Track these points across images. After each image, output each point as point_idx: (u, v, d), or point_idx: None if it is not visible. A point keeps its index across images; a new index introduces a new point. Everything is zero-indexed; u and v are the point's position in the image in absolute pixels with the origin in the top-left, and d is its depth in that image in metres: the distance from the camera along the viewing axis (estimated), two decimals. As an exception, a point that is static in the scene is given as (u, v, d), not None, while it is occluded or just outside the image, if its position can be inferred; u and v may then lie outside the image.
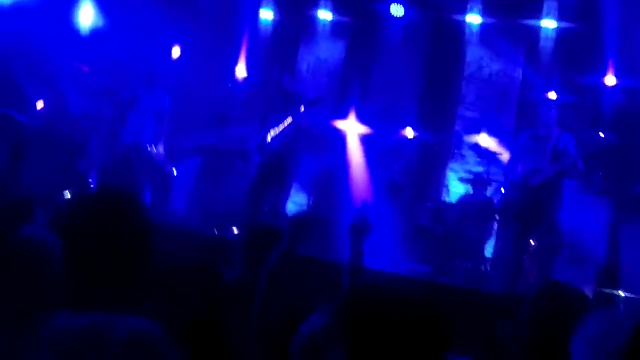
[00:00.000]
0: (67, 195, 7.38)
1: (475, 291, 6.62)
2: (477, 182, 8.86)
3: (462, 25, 10.38)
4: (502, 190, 7.81)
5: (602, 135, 7.90)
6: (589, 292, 6.41)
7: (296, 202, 9.41)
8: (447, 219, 8.72)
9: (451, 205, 9.16)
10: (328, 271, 4.83)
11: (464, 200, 8.93)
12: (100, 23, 9.62)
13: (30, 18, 8.66)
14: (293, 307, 3.24)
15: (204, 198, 9.25)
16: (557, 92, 9.03)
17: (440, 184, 9.97)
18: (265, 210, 7.62)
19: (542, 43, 9.87)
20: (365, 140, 10.05)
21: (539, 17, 9.89)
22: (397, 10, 10.28)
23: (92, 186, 8.56)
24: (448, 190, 9.70)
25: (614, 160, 8.09)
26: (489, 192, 8.80)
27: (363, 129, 10.08)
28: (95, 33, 9.57)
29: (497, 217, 8.29)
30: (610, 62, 8.99)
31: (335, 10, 10.94)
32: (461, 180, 9.39)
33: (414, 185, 9.57)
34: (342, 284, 3.32)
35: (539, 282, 6.93)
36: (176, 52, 10.24)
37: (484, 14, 10.25)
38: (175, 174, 8.98)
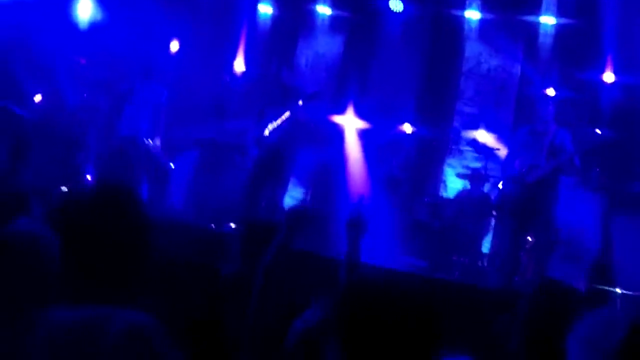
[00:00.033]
0: (64, 188, 7.36)
1: (472, 286, 6.63)
2: (474, 177, 8.86)
3: (461, 20, 10.37)
4: (500, 185, 7.81)
5: (599, 131, 7.90)
6: (584, 288, 6.42)
7: (294, 196, 9.41)
8: (445, 214, 8.73)
9: (448, 200, 9.17)
10: (324, 266, 4.84)
11: (461, 195, 8.93)
12: (98, 16, 9.59)
13: (28, 11, 8.64)
14: (290, 301, 3.24)
15: (201, 192, 9.24)
16: (555, 88, 9.03)
17: (437, 179, 9.98)
18: (262, 204, 7.62)
19: (541, 39, 9.87)
20: (363, 135, 10.05)
21: (537, 13, 9.89)
22: (396, 5, 10.27)
23: (89, 179, 8.54)
24: (445, 186, 9.71)
25: (611, 157, 8.09)
26: (486, 187, 8.80)
27: (361, 124, 10.08)
28: (93, 26, 9.53)
29: (494, 213, 8.30)
30: (609, 59, 9.00)
31: (334, 5, 10.93)
32: (459, 175, 9.39)
33: (412, 180, 9.58)
34: (338, 278, 3.32)
35: (536, 278, 6.95)
36: (175, 45, 10.22)
37: (482, 9, 10.24)
38: (173, 167, 8.97)
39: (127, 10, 9.37)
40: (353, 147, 10.01)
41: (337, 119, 10.08)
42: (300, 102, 7.50)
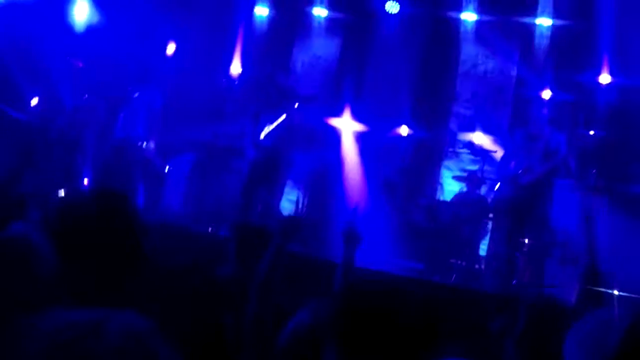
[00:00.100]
0: (61, 192, 7.36)
1: (469, 289, 6.63)
2: (471, 180, 8.85)
3: (457, 22, 10.38)
4: (496, 188, 7.81)
5: (592, 133, 7.91)
6: (581, 290, 6.41)
7: (290, 199, 9.40)
8: (441, 217, 8.71)
9: (445, 203, 9.16)
10: (320, 268, 4.83)
11: (458, 198, 8.92)
12: (95, 19, 9.59)
13: (25, 14, 8.63)
14: (286, 304, 3.23)
15: (197, 195, 9.23)
16: (551, 90, 9.04)
17: (434, 181, 9.97)
18: (258, 207, 7.62)
19: (537, 41, 9.87)
20: (359, 137, 10.04)
21: (534, 14, 9.90)
22: (392, 7, 10.28)
23: (85, 182, 8.53)
24: (442, 188, 9.70)
25: (607, 159, 8.10)
26: (483, 190, 8.80)
27: (357, 127, 10.06)
28: (89, 29, 9.53)
29: (491, 215, 8.30)
30: (605, 61, 9.01)
31: (330, 7, 10.93)
32: (455, 178, 9.38)
33: (408, 182, 9.56)
34: (333, 281, 3.32)
35: (533, 280, 6.95)
36: (171, 48, 10.22)
37: (479, 11, 10.25)
38: (168, 170, 8.96)
39: (123, 13, 9.37)
40: (350, 150, 10.00)
41: (334, 121, 10.07)
42: (297, 105, 7.50)
